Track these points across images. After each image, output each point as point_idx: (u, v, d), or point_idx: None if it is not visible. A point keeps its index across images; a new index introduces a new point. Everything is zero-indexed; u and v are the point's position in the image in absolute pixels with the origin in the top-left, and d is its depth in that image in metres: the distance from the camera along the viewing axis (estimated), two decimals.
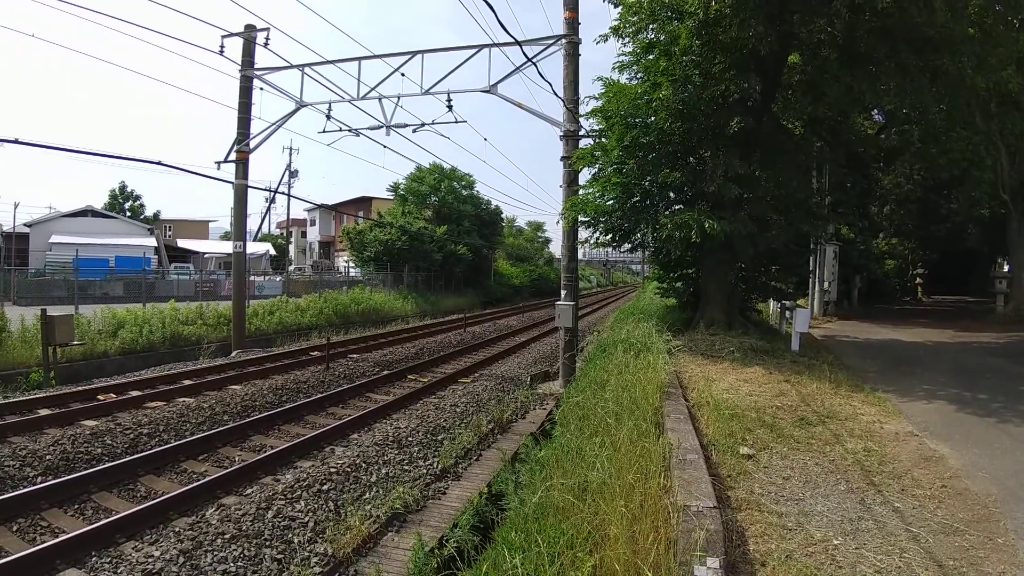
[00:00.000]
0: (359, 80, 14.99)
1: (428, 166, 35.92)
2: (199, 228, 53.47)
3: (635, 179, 11.22)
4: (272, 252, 46.30)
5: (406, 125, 15.54)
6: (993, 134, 15.46)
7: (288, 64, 15.56)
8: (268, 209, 57.10)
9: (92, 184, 73.13)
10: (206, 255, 40.95)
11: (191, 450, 7.58)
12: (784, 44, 9.93)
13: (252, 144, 16.27)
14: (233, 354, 15.17)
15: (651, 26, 10.87)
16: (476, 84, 13.55)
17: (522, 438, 8.08)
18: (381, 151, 26.63)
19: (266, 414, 9.20)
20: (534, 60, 11.87)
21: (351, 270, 35.43)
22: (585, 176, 12.78)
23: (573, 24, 12.13)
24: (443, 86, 14.15)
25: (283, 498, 5.89)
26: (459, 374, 13.10)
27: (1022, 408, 6.94)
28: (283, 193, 43.20)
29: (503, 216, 45.40)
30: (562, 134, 12.36)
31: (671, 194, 12.17)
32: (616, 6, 11.17)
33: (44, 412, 8.77)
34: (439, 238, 33.56)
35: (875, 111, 17.00)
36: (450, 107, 14.28)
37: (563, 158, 12.42)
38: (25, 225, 35.32)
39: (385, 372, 13.13)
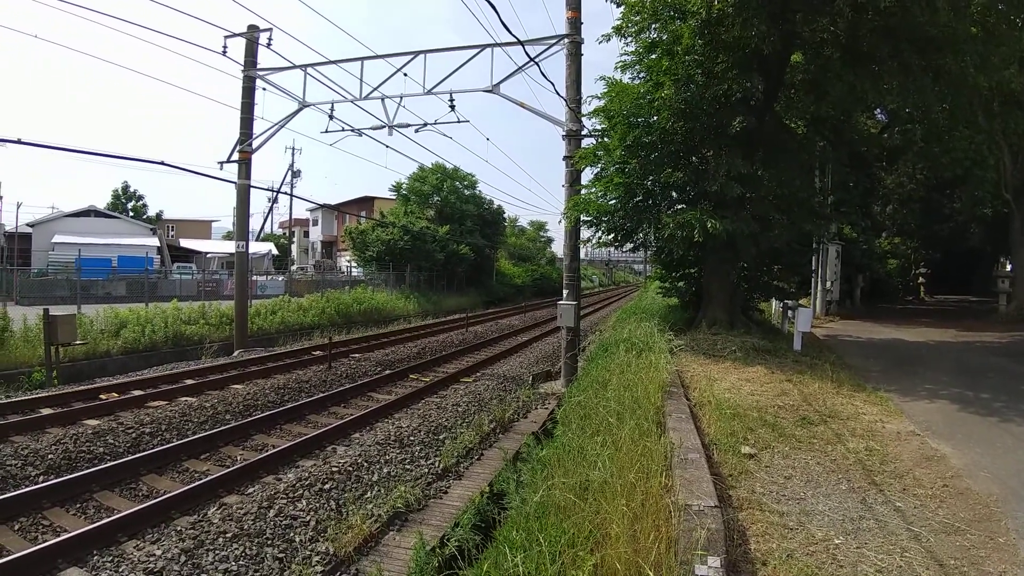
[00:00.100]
0: (361, 80, 15.02)
1: (431, 166, 35.94)
2: (202, 228, 53.59)
3: (637, 179, 11.20)
4: (275, 252, 46.40)
5: (408, 125, 15.55)
6: (996, 133, 15.43)
7: (291, 64, 15.58)
8: (271, 209, 57.08)
9: (95, 184, 73.56)
10: (209, 255, 41.03)
11: (193, 449, 7.59)
12: (787, 43, 9.91)
13: (255, 144, 16.31)
14: (235, 353, 15.20)
15: (653, 25, 10.85)
16: (478, 84, 13.56)
17: (524, 437, 8.08)
18: (384, 151, 26.84)
19: (268, 413, 9.21)
20: (536, 60, 11.85)
21: (353, 270, 35.48)
22: (587, 176, 12.77)
23: (575, 24, 12.13)
24: (445, 86, 14.16)
25: (285, 497, 5.90)
26: (461, 373, 13.10)
27: None
28: (286, 193, 43.34)
29: (505, 216, 45.48)
30: (564, 134, 12.35)
31: (673, 194, 12.15)
32: (619, 6, 11.15)
33: (46, 411, 8.80)
34: (441, 238, 33.58)
35: (878, 110, 16.99)
36: (452, 107, 14.29)
37: (565, 158, 12.41)
38: (28, 225, 35.48)
39: (387, 371, 13.14)
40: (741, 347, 9.73)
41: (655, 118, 10.65)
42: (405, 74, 14.66)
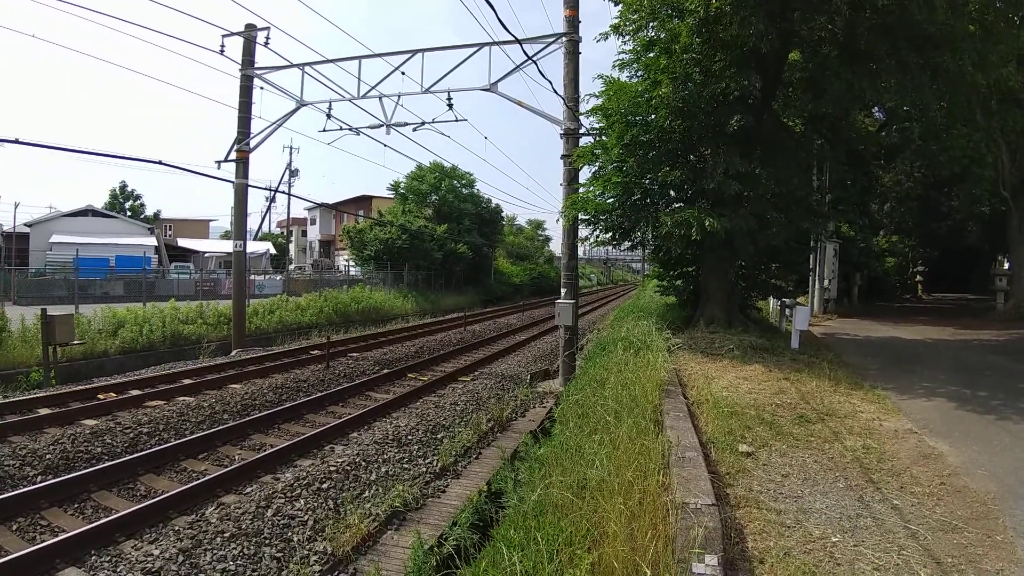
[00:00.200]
0: (359, 79, 14.99)
1: (428, 165, 35.92)
2: (199, 227, 53.52)
3: (635, 177, 11.21)
4: (272, 251, 46.35)
5: (406, 124, 15.53)
6: (994, 131, 15.44)
7: (288, 63, 15.55)
8: (268, 208, 57.21)
9: (92, 184, 73.21)
10: (206, 254, 40.99)
11: (191, 449, 7.58)
12: (785, 41, 9.91)
13: (252, 143, 16.26)
14: (233, 353, 15.17)
15: (651, 24, 10.85)
16: (476, 83, 13.54)
17: (522, 436, 8.08)
18: (381, 150, 26.85)
19: (266, 413, 9.20)
20: (534, 58, 11.85)
21: (351, 269, 35.46)
22: (585, 174, 12.79)
23: (573, 22, 12.11)
24: (443, 85, 14.14)
25: (283, 496, 5.89)
26: (459, 372, 13.09)
27: (1022, 405, 6.94)
28: (283, 192, 43.33)
29: (503, 214, 45.46)
30: (562, 132, 12.35)
31: (671, 192, 12.15)
32: (616, 4, 11.16)
33: (44, 411, 8.78)
34: (439, 237, 33.57)
35: (876, 108, 16.97)
36: (450, 106, 14.27)
37: (563, 156, 12.40)
38: (25, 225, 35.36)
39: (385, 371, 13.13)
40: (739, 345, 9.74)
41: (653, 116, 10.66)
42: (403, 73, 14.66)
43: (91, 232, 33.53)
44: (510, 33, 9.94)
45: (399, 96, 15.07)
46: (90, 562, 4.79)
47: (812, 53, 10.30)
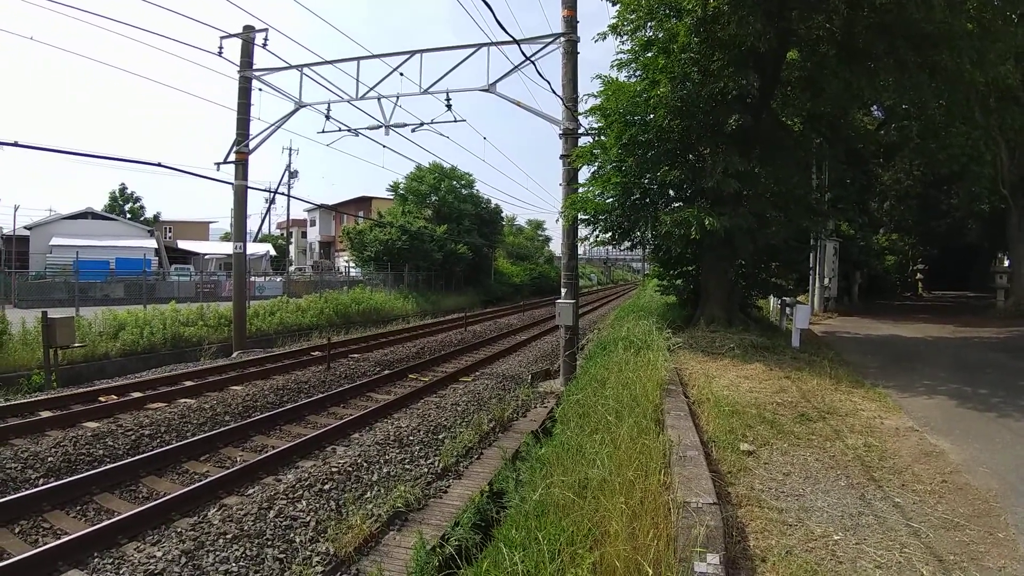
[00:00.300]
0: (358, 80, 15.00)
1: (428, 165, 35.94)
2: (199, 229, 53.49)
3: (634, 177, 11.21)
4: (272, 253, 46.33)
5: (405, 124, 15.55)
6: (992, 129, 15.43)
7: (287, 65, 15.56)
8: (268, 210, 57.16)
9: (92, 186, 73.44)
10: (206, 256, 40.97)
11: (193, 451, 7.59)
12: (783, 41, 9.91)
13: (251, 145, 16.27)
14: (234, 355, 15.18)
15: (649, 24, 10.85)
16: (475, 83, 13.56)
17: (523, 436, 8.08)
18: (380, 151, 26.78)
19: (267, 414, 9.20)
20: (533, 59, 11.87)
21: (351, 270, 35.46)
22: (584, 174, 12.79)
23: (571, 22, 12.12)
24: (442, 85, 14.16)
25: (285, 498, 5.90)
26: (460, 373, 13.10)
27: (1022, 403, 6.94)
28: (283, 194, 43.31)
29: (503, 215, 45.45)
30: (561, 132, 12.36)
31: (670, 191, 12.17)
32: (614, 4, 11.16)
33: (46, 414, 8.79)
34: (439, 237, 33.56)
35: (874, 107, 16.98)
36: (449, 106, 14.28)
37: (562, 156, 12.41)
38: (25, 228, 35.35)
39: (386, 371, 13.14)
40: (739, 344, 9.74)
41: (651, 116, 10.66)
42: (401, 74, 14.67)
43: (91, 234, 33.52)
44: (508, 34, 9.97)
45: (398, 97, 15.09)
46: (93, 564, 4.80)
47: (810, 52, 10.31)
